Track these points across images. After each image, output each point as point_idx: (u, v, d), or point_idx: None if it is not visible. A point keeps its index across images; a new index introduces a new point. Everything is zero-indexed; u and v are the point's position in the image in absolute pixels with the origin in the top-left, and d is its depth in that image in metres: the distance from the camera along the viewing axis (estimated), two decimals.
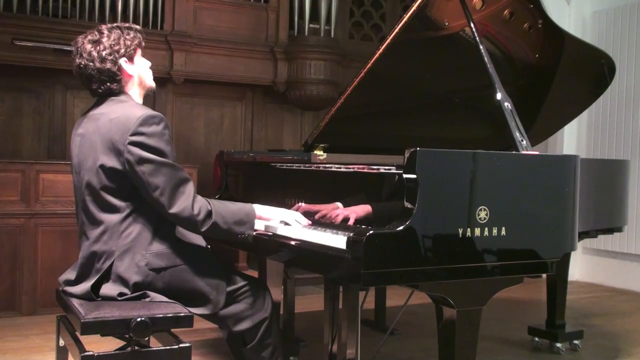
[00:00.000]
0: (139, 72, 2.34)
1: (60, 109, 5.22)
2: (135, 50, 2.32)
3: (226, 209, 2.24)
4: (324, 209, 2.63)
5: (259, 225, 2.42)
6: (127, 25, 2.36)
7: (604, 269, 5.87)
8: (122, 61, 2.27)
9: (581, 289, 5.69)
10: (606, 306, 5.05)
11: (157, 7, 5.23)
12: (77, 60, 2.27)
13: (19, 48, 4.70)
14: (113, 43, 2.26)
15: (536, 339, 3.77)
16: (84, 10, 4.89)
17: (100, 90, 2.28)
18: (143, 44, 2.37)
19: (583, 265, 6.04)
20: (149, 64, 2.40)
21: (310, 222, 2.43)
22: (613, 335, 4.13)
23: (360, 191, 2.64)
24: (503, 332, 4.10)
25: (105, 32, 2.28)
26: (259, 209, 2.36)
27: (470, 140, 3.32)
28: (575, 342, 3.73)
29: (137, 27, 2.37)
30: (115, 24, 2.35)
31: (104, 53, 2.24)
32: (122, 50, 2.27)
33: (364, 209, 2.45)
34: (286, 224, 2.40)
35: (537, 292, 5.19)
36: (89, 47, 2.25)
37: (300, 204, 2.74)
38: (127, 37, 2.30)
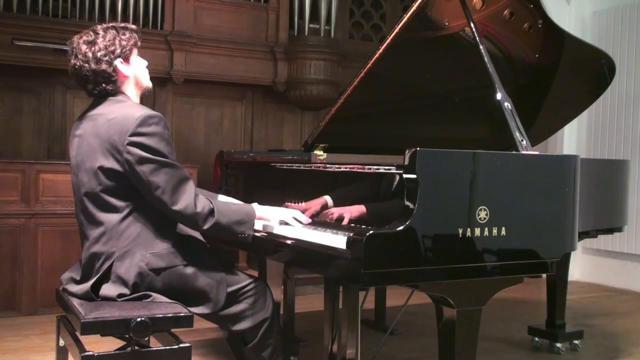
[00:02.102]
0: (135, 72, 2.33)
1: (60, 109, 5.23)
2: (131, 50, 2.30)
3: (228, 208, 2.25)
4: (311, 205, 2.65)
5: (258, 226, 2.42)
6: (122, 25, 2.34)
7: (604, 269, 5.87)
8: (118, 62, 2.25)
9: (581, 289, 5.69)
10: (606, 306, 5.05)
11: (157, 7, 5.23)
12: (72, 61, 2.25)
13: (19, 48, 4.70)
14: (108, 44, 2.24)
15: (536, 339, 3.77)
16: (84, 10, 4.89)
17: (96, 91, 2.27)
18: (139, 43, 2.35)
19: (583, 265, 6.04)
20: (145, 63, 2.38)
21: (310, 220, 2.44)
22: (613, 335, 4.13)
23: (359, 191, 2.64)
24: (503, 332, 4.10)
25: (101, 32, 2.26)
26: (259, 209, 2.37)
27: (470, 140, 3.32)
28: (575, 342, 3.73)
29: (133, 26, 2.35)
30: (110, 24, 2.32)
31: (99, 54, 2.22)
32: (118, 51, 2.25)
33: (358, 209, 2.47)
34: (286, 223, 2.40)
35: (537, 292, 5.19)
36: (84, 47, 2.23)
37: (287, 204, 2.76)
38: (123, 37, 2.28)
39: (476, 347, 2.22)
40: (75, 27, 4.77)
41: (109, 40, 2.25)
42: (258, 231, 2.45)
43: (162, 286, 2.20)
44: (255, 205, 2.36)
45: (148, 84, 2.39)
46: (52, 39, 4.76)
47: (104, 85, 2.25)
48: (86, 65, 2.22)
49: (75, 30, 4.99)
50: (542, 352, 3.70)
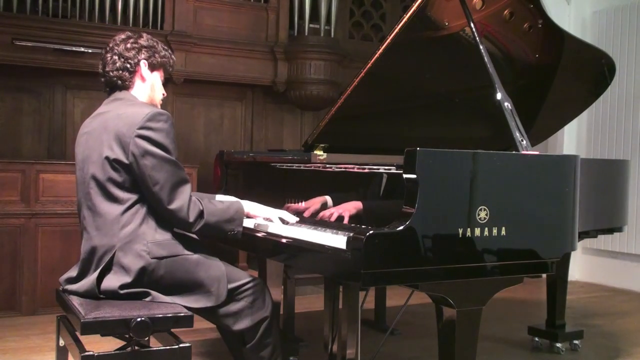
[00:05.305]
0: (153, 84, 2.44)
1: (60, 109, 5.22)
2: (159, 65, 2.44)
3: (215, 208, 2.30)
4: (312, 204, 2.65)
5: (248, 223, 2.46)
6: (167, 47, 2.50)
7: (604, 269, 5.87)
8: (143, 61, 2.38)
9: (581, 289, 5.69)
10: (606, 306, 5.05)
11: (157, 7, 5.22)
12: (109, 44, 2.41)
13: (19, 48, 4.70)
14: (145, 45, 2.41)
15: (536, 339, 3.77)
16: (84, 10, 4.88)
17: (112, 74, 2.36)
18: (170, 69, 2.50)
19: (583, 265, 6.04)
20: (164, 93, 2.51)
21: (298, 219, 2.46)
22: (613, 335, 4.13)
23: (359, 190, 2.65)
24: (503, 332, 4.10)
25: (145, 37, 2.45)
26: (247, 205, 2.42)
27: (470, 140, 3.32)
28: (575, 342, 3.73)
29: (174, 57, 2.53)
30: (158, 40, 2.48)
31: (131, 45, 2.37)
32: (148, 54, 2.40)
33: (355, 206, 2.48)
34: (270, 221, 2.44)
35: (537, 292, 5.19)
36: (124, 36, 2.41)
37: (288, 204, 2.76)
38: (160, 51, 2.45)
39: (476, 347, 2.22)
40: (76, 27, 4.78)
41: (148, 45, 2.42)
42: (258, 231, 2.45)
43: (164, 274, 2.21)
44: (243, 202, 2.41)
45: (158, 103, 2.48)
46: (52, 39, 4.75)
47: (120, 71, 2.36)
48: (116, 48, 2.37)
49: (75, 30, 5.02)
50: (542, 352, 3.70)
